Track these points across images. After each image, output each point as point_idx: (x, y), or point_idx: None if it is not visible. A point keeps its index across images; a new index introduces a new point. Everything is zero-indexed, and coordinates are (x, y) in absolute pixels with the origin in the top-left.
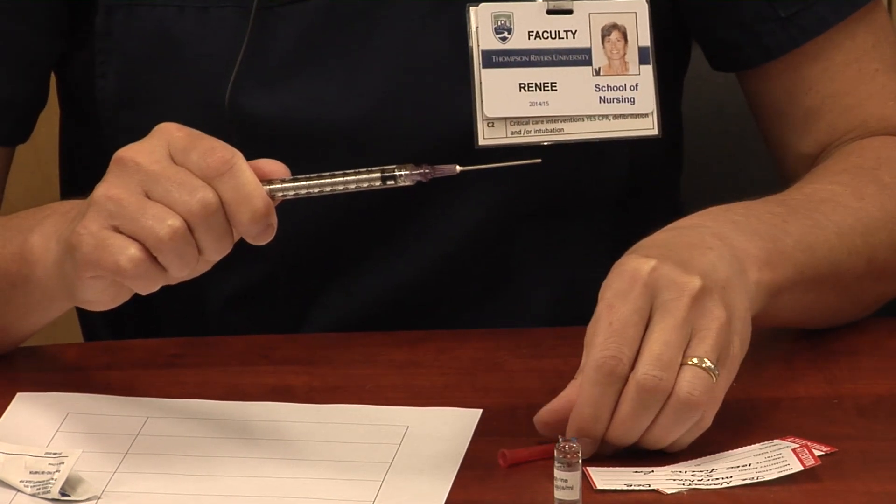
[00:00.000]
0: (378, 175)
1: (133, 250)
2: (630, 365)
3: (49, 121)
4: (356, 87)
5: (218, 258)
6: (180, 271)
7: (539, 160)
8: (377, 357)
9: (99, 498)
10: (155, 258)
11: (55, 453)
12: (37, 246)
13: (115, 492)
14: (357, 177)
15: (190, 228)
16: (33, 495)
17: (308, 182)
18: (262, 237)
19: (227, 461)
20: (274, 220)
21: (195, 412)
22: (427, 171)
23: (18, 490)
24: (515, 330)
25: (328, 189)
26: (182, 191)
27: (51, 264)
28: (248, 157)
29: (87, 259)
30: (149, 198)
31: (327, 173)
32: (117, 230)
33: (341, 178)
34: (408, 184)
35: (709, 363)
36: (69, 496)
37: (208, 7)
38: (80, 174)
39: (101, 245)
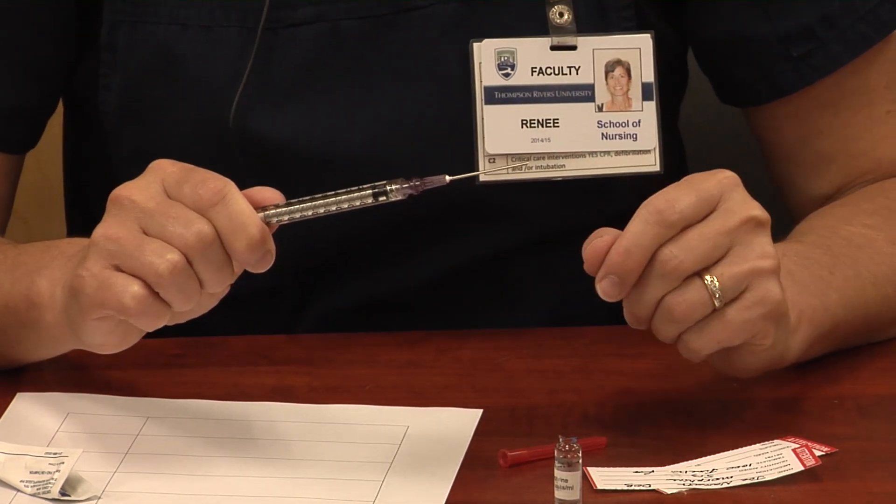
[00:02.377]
0: (369, 192)
1: (136, 287)
2: (680, 223)
3: (50, 121)
4: (360, 113)
5: (220, 289)
6: (183, 305)
7: (528, 161)
8: (377, 357)
9: (99, 498)
10: (158, 294)
11: (55, 453)
12: (44, 290)
13: (115, 492)
14: (349, 195)
15: (189, 262)
16: (33, 495)
17: (302, 205)
18: (260, 265)
19: (228, 461)
20: (271, 246)
21: (195, 412)
22: (417, 183)
23: (19, 490)
24: (515, 330)
25: (322, 210)
26: (177, 224)
27: (58, 311)
28: (252, 177)
29: (91, 300)
30: (146, 234)
31: (320, 195)
32: (119, 269)
33: (334, 199)
34: (399, 198)
35: (717, 287)
36: (69, 496)
37: (212, 26)
38: (84, 181)
39: (103, 285)
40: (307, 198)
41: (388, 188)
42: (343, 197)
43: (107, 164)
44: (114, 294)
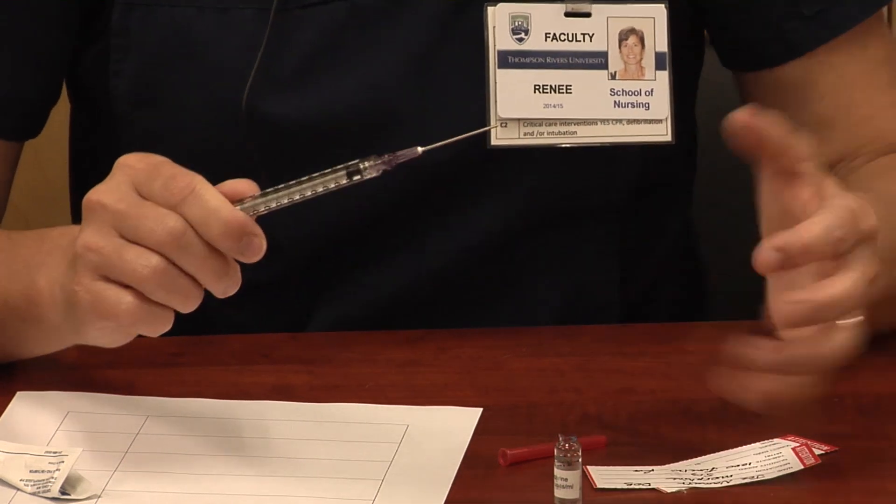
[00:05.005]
0: (343, 172)
1: (128, 298)
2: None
3: (51, 119)
4: (374, 89)
5: (216, 280)
6: (184, 305)
7: (489, 127)
8: (377, 356)
9: (99, 497)
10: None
11: (55, 452)
12: (44, 289)
13: (115, 490)
14: (323, 177)
15: (172, 260)
16: (33, 494)
17: (278, 193)
18: (248, 251)
19: (227, 460)
20: (256, 230)
21: (195, 411)
22: (389, 157)
23: (18, 489)
24: (515, 329)
25: (297, 196)
26: (148, 223)
27: (59, 309)
28: (266, 159)
29: (89, 314)
30: (124, 238)
31: (294, 181)
32: (107, 279)
33: (308, 183)
34: (374, 175)
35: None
36: (69, 495)
37: (228, 8)
38: (91, 177)
39: (97, 299)
40: (282, 185)
41: (361, 166)
42: (318, 180)
43: (116, 153)
44: (109, 308)
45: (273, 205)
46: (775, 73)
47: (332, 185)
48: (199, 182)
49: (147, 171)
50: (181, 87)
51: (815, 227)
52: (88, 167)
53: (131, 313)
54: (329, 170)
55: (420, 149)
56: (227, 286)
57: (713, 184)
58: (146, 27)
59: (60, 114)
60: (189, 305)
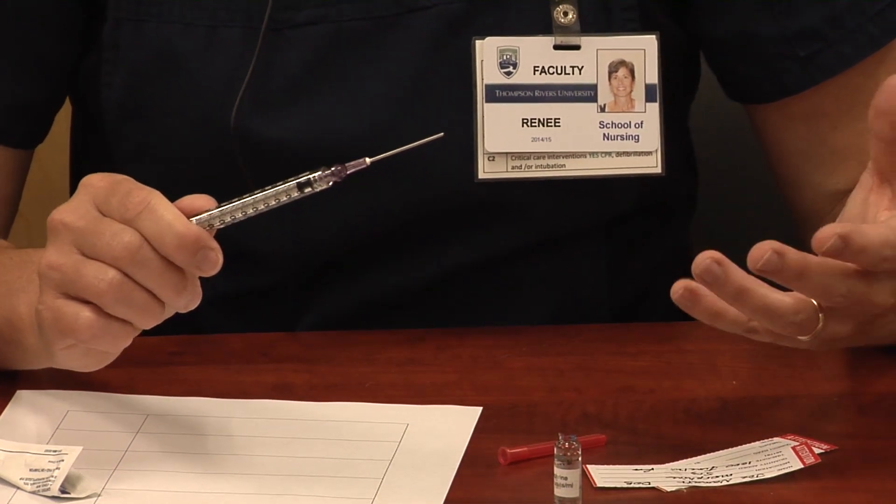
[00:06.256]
0: (294, 184)
1: (86, 313)
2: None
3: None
4: (361, 111)
5: (175, 294)
6: (142, 319)
7: (442, 134)
8: (377, 355)
9: (99, 495)
10: (112, 314)
11: (55, 451)
12: (24, 314)
13: (114, 489)
14: (275, 189)
15: (129, 275)
16: (33, 493)
17: (232, 205)
18: (205, 265)
19: (227, 459)
20: (212, 244)
21: (195, 410)
22: (338, 169)
23: (18, 488)
24: (515, 328)
25: (251, 210)
26: (105, 238)
27: (37, 335)
28: (253, 178)
29: (52, 332)
30: (84, 255)
31: (248, 193)
32: (68, 297)
33: (261, 195)
34: (324, 187)
35: None
36: (69, 493)
37: (216, 26)
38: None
39: (57, 316)
40: (236, 199)
41: (312, 177)
42: (270, 192)
43: (110, 160)
44: (67, 324)
45: (228, 219)
46: (783, 107)
47: (285, 199)
48: (154, 197)
49: (107, 188)
50: (168, 102)
51: (877, 235)
52: (86, 168)
53: (89, 327)
54: (280, 182)
55: (368, 160)
56: (187, 301)
57: (711, 184)
58: (135, 42)
59: (61, 113)
60: (148, 320)
